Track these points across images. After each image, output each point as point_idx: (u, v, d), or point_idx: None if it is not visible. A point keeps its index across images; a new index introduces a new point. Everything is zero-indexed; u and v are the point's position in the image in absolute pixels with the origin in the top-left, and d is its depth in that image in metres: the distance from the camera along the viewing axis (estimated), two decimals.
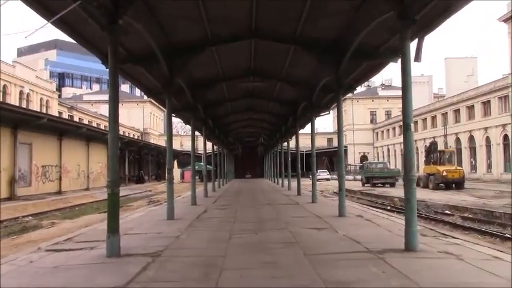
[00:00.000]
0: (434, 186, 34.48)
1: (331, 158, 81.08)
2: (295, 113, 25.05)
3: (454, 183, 34.09)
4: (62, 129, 33.24)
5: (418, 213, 20.03)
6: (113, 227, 8.02)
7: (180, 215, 14.38)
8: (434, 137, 53.86)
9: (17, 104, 46.18)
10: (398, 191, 33.54)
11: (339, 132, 14.82)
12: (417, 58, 12.23)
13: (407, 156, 8.43)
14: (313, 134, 20.37)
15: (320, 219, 13.35)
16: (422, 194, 28.76)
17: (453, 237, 10.05)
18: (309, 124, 21.54)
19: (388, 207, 22.71)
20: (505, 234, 13.91)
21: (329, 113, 29.64)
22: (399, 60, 13.55)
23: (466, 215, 18.90)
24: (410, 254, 7.85)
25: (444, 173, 33.83)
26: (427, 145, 42.93)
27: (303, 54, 15.12)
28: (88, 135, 38.69)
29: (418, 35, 9.85)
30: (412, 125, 8.44)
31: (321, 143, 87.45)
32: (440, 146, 43.03)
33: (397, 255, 7.74)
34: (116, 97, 8.21)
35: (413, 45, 9.91)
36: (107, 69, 8.68)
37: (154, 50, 12.67)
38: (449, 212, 20.04)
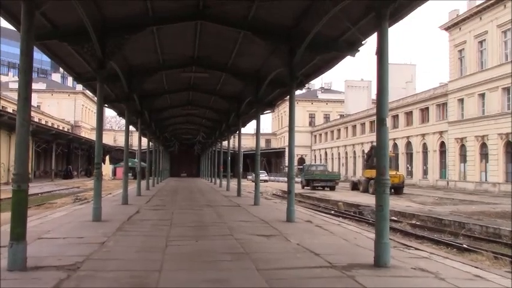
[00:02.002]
0: (374, 190, 34.11)
1: (269, 159, 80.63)
2: (238, 109, 23.65)
3: (393, 188, 33.91)
4: None
5: (364, 219, 19.43)
6: (18, 233, 6.29)
7: (108, 216, 12.61)
8: (372, 142, 54.25)
9: None
10: (339, 195, 33.12)
11: (290, 130, 13.52)
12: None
13: (381, 155, 7.27)
14: (258, 131, 19.16)
15: (267, 224, 12.04)
16: (364, 199, 28.37)
17: (416, 249, 9.06)
18: (249, 124, 20.26)
19: (332, 212, 21.83)
20: (462, 244, 13.20)
21: (273, 111, 28.60)
22: (356, 54, 12.96)
23: (413, 222, 18.26)
24: (383, 270, 6.68)
25: None
26: (368, 149, 42.82)
27: (254, 43, 13.77)
28: (12, 125, 35.33)
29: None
30: (388, 119, 7.27)
31: (261, 144, 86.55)
32: None
33: (368, 272, 6.55)
34: (28, 68, 6.49)
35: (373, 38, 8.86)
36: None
37: (86, 25, 10.88)
38: (395, 219, 19.36)
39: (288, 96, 21.52)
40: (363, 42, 12.06)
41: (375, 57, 7.56)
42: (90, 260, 7.01)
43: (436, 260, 7.69)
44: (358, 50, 12.44)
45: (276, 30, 12.69)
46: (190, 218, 13.38)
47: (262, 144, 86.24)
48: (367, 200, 27.48)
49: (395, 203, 25.32)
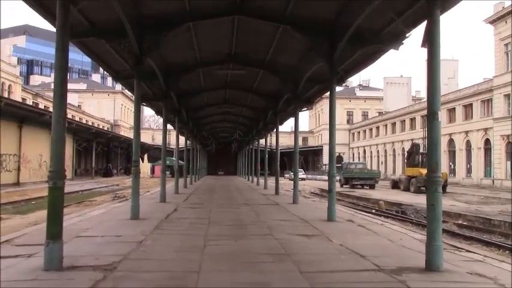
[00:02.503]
0: (416, 189, 33.27)
1: (307, 157, 79.97)
2: (275, 107, 23.34)
3: None
4: (22, 116, 30.74)
5: (407, 218, 18.77)
6: (54, 232, 6.16)
7: (146, 214, 12.50)
8: (412, 139, 52.94)
9: None
10: (379, 193, 32.37)
11: (331, 127, 13.05)
12: (425, 43, 10.69)
13: (432, 151, 6.75)
14: (296, 129, 18.73)
15: (307, 223, 11.66)
16: (405, 198, 27.61)
17: (468, 251, 8.50)
18: (286, 122, 19.86)
19: (373, 211, 21.23)
20: None
21: (311, 108, 28.16)
22: (400, 47, 12.44)
23: (460, 222, 17.49)
24: (436, 275, 6.22)
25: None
26: (409, 146, 41.62)
27: (292, 38, 13.45)
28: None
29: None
30: (440, 113, 6.79)
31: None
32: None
33: (420, 277, 6.11)
34: (64, 65, 6.33)
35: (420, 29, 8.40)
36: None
37: (123, 21, 10.78)
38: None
39: (327, 93, 21.30)
40: (407, 35, 11.55)
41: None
42: (127, 260, 6.84)
43: (492, 264, 7.16)
44: (402, 43, 11.91)
45: (316, 24, 12.27)
46: (228, 217, 13.14)
47: (299, 142, 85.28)
48: (409, 198, 26.78)
49: None
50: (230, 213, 14.37)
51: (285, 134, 78.06)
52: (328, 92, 19.94)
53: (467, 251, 8.56)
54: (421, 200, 25.22)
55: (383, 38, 11.90)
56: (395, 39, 11.79)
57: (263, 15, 12.43)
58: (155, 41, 12.38)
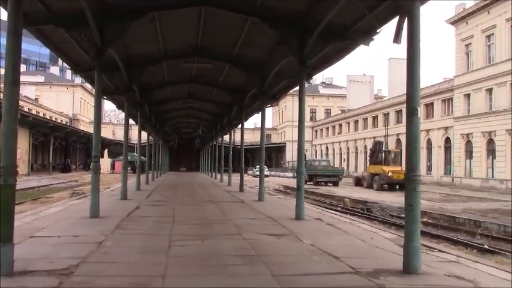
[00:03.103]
0: (379, 186, 33.58)
1: (270, 154, 79.90)
2: (241, 102, 22.93)
3: (398, 184, 33.27)
4: None
5: (374, 216, 18.73)
6: (4, 234, 5.56)
7: (106, 212, 11.87)
8: (375, 137, 53.55)
9: None
10: (343, 190, 32.45)
11: (300, 123, 12.72)
12: (397, 39, 10.50)
13: (412, 148, 6.47)
14: (263, 125, 18.40)
15: (275, 222, 11.32)
16: (370, 195, 27.74)
17: (440, 251, 8.31)
18: (249, 119, 19.49)
19: (339, 208, 21.12)
20: (482, 245, 12.49)
21: (277, 104, 27.89)
22: (371, 43, 12.24)
23: (425, 219, 17.52)
24: (414, 278, 5.95)
25: (390, 174, 32.91)
26: (372, 144, 41.95)
27: (260, 32, 13.11)
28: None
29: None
30: (419, 109, 6.53)
31: (259, 138, 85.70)
32: None
33: (399, 280, 5.84)
34: (16, 49, 5.74)
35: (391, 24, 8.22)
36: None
37: (84, 10, 10.13)
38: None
39: (292, 90, 21.08)
40: (378, 30, 11.36)
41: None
42: (85, 263, 6.31)
43: (467, 265, 6.96)
44: (373, 39, 11.75)
45: (286, 18, 11.96)
46: (193, 215, 12.66)
47: None
48: (373, 196, 26.90)
49: (402, 200, 24.63)
50: (195, 211, 13.90)
51: (248, 131, 77.65)
52: (293, 89, 19.91)
53: (440, 250, 8.37)
54: (385, 198, 25.46)
55: (354, 34, 11.69)
56: (366, 35, 11.61)
57: (231, 7, 12.03)
58: (118, 31, 11.72)
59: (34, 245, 7.57)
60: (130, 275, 5.81)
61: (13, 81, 5.68)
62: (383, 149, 37.54)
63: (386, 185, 33.69)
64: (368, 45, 11.94)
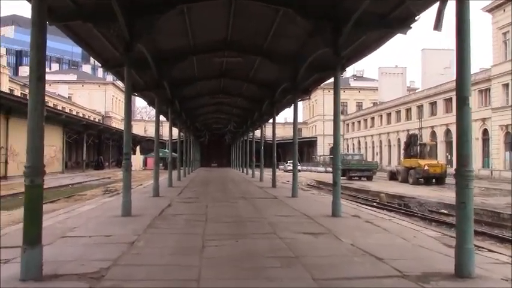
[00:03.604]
0: (415, 180, 32.62)
1: (301, 149, 79.22)
2: (272, 97, 22.52)
3: (435, 178, 32.35)
4: (9, 107, 29.67)
5: (412, 212, 18.08)
6: (32, 237, 5.35)
7: (138, 210, 11.70)
8: (408, 130, 52.30)
9: None
10: (377, 185, 31.71)
11: (335, 117, 12.31)
12: (437, 26, 9.93)
13: (462, 141, 5.91)
14: (295, 119, 17.99)
15: (311, 219, 10.91)
16: (406, 190, 26.97)
17: (490, 251, 7.72)
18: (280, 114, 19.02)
19: (375, 204, 20.51)
20: None
21: (309, 98, 27.43)
22: (408, 32, 11.69)
23: None
24: (469, 283, 5.44)
25: (426, 167, 31.98)
26: (407, 137, 40.80)
27: (292, 22, 12.66)
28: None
29: None
30: (471, 98, 6.00)
31: (291, 133, 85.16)
32: None
33: (452, 285, 5.34)
34: (42, 43, 5.49)
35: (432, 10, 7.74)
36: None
37: (112, 4, 9.93)
38: (446, 212, 17.92)
39: (323, 83, 20.58)
40: (416, 18, 10.85)
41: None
42: (116, 266, 6.04)
43: None
44: (410, 27, 11.23)
45: (320, 7, 11.56)
46: (226, 212, 12.35)
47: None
48: (409, 190, 26.13)
49: (441, 194, 23.93)
50: (227, 208, 13.60)
51: (278, 125, 77.19)
52: (324, 82, 19.43)
53: (489, 250, 7.80)
54: (422, 192, 24.68)
55: (391, 22, 11.20)
56: (403, 22, 11.14)
57: None
58: (146, 25, 11.50)
59: (65, 246, 7.38)
60: (163, 279, 5.51)
61: (38, 77, 5.44)
62: (418, 142, 36.49)
63: (422, 179, 32.74)
64: (405, 33, 11.45)
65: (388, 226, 10.14)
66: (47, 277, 5.35)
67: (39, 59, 5.45)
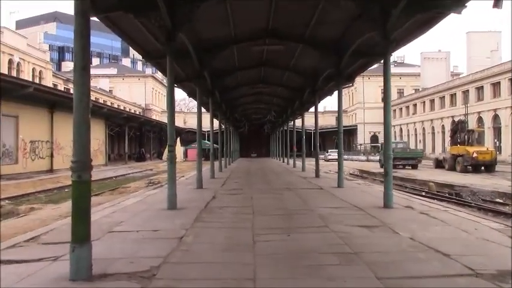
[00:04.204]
0: (463, 168, 31.41)
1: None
2: (314, 85, 22.06)
3: (484, 166, 31.07)
4: (53, 101, 30.18)
5: (466, 202, 17.30)
6: (81, 234, 5.13)
7: (184, 203, 11.51)
8: (453, 116, 50.58)
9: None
10: (424, 174, 30.74)
11: (386, 104, 11.79)
12: (497, 3, 9.31)
13: None
14: (340, 107, 17.34)
15: (362, 211, 10.43)
16: (455, 178, 25.95)
17: None
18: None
19: (423, 193, 19.75)
20: None
21: (353, 85, 26.75)
22: (463, 11, 10.98)
23: None
24: None
25: (475, 155, 30.74)
26: (453, 123, 39.31)
27: (337, 6, 12.19)
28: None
29: None
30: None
31: (330, 121, 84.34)
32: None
33: None
34: (85, 31, 5.23)
35: None
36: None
37: None
38: (501, 201, 17.04)
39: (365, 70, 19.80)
40: None
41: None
42: (167, 264, 5.78)
43: None
44: (466, 6, 10.51)
45: None
46: (272, 204, 12.01)
47: (332, 121, 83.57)
48: (459, 179, 25.12)
49: (494, 182, 22.89)
50: (273, 199, 13.24)
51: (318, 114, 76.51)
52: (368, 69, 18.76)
53: None
54: (473, 181, 23.66)
55: (444, 1, 10.52)
56: (458, 1, 10.40)
57: None
58: (188, 13, 11.26)
59: (113, 242, 7.20)
60: (217, 278, 5.21)
61: (83, 66, 5.19)
62: (466, 128, 35.12)
63: (470, 167, 31.52)
64: (460, 13, 10.74)
65: (445, 217, 9.57)
66: (96, 276, 5.14)
67: (83, 46, 5.19)
